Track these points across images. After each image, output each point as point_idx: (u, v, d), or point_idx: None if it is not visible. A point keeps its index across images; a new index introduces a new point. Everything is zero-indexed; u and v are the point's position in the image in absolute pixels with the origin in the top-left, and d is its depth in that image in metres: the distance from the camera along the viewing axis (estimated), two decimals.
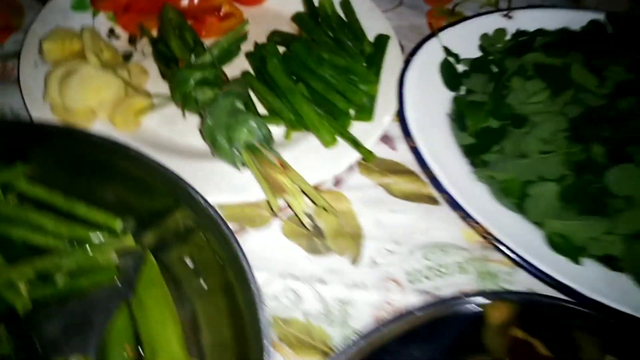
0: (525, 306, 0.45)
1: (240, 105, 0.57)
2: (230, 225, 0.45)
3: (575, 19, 0.73)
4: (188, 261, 0.48)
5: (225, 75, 0.62)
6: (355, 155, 0.59)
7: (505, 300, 0.45)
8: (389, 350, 0.44)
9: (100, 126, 0.60)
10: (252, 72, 0.65)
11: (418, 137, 0.59)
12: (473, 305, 0.45)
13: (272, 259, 0.55)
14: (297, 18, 0.70)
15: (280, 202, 0.53)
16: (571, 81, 0.60)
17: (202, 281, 0.47)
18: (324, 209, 0.52)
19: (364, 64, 0.65)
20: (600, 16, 0.73)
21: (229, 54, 0.65)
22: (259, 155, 0.54)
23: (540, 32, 0.71)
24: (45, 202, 0.50)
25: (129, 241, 0.50)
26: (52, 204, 0.49)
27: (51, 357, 0.45)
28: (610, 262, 0.53)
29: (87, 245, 0.49)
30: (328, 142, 0.57)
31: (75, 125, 0.58)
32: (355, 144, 0.57)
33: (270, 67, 0.61)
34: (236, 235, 0.44)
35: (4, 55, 0.69)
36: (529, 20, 0.73)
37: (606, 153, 0.55)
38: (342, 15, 0.70)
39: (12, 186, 0.50)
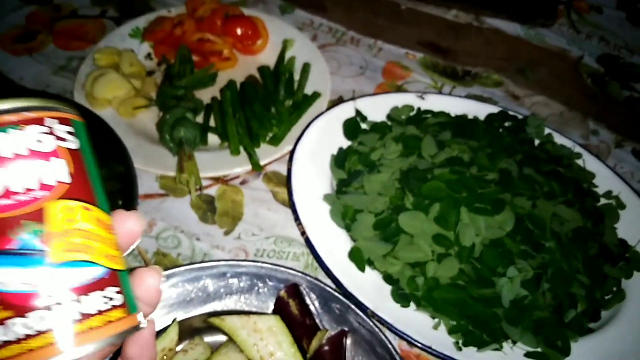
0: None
1: (189, 115, 0.86)
2: (161, 191, 0.73)
3: (480, 110, 0.93)
4: None
5: (192, 95, 0.92)
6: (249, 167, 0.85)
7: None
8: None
9: (110, 111, 0.92)
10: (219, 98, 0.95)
11: (295, 166, 0.83)
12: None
13: (175, 218, 0.82)
14: (260, 69, 0.98)
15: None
16: (418, 147, 0.81)
17: None
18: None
19: (289, 108, 0.91)
20: (496, 110, 0.92)
21: (200, 83, 0.95)
22: (183, 148, 0.82)
23: (439, 113, 0.92)
24: None
25: None
26: None
27: None
28: (386, 277, 0.73)
29: None
30: (233, 151, 0.85)
31: (94, 108, 0.91)
32: (250, 156, 0.84)
33: (223, 97, 0.91)
34: (160, 199, 0.73)
35: (80, 57, 1.06)
36: (437, 103, 0.94)
37: (414, 200, 0.75)
38: (298, 73, 0.98)
39: None
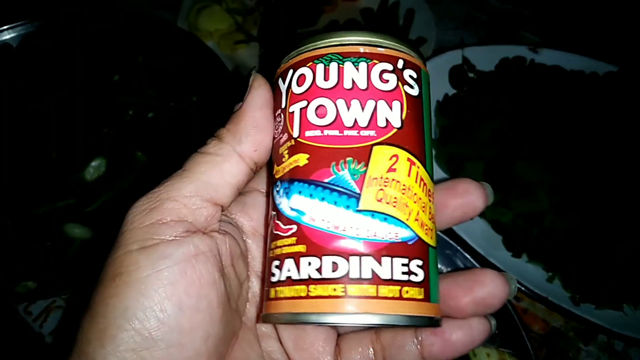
0: None
1: None
2: None
3: (597, 67, 0.87)
4: None
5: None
6: None
7: None
8: None
9: (211, 44, 0.92)
10: None
11: None
12: None
13: None
14: (363, 11, 0.96)
15: None
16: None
17: None
18: None
19: None
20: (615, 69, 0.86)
21: (301, 23, 0.93)
22: None
23: (553, 68, 0.86)
24: None
25: None
26: None
27: None
28: (497, 226, 0.69)
29: None
30: None
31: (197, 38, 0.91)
32: None
33: None
34: None
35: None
36: (551, 57, 0.88)
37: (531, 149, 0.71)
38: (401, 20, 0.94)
39: None
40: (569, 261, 0.63)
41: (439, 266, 0.65)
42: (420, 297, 0.29)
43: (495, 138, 0.74)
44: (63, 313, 0.64)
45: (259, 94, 0.33)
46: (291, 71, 0.33)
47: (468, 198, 0.34)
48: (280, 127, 0.33)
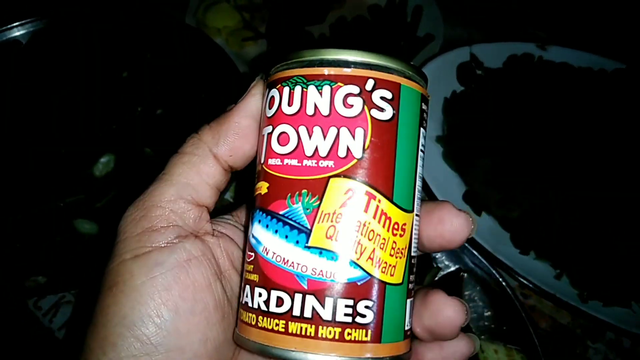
0: None
1: None
2: None
3: (605, 65, 0.87)
4: None
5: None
6: None
7: None
8: None
9: (219, 41, 0.92)
10: None
11: None
12: None
13: None
14: (371, 8, 0.95)
15: None
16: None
17: None
18: None
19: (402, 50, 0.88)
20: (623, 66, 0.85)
21: (309, 19, 0.93)
22: None
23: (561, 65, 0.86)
24: None
25: None
26: None
27: None
28: (504, 223, 0.69)
29: None
30: None
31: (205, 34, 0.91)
32: None
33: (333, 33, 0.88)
34: None
35: None
36: (559, 55, 0.88)
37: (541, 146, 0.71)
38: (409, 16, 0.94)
39: None
40: (577, 258, 0.63)
41: (446, 263, 0.65)
42: (366, 339, 0.28)
43: (503, 135, 0.74)
44: (73, 308, 0.65)
45: (251, 102, 0.32)
46: (267, 90, 0.32)
47: (442, 228, 0.32)
48: (259, 148, 0.32)
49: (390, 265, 0.29)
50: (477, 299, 0.63)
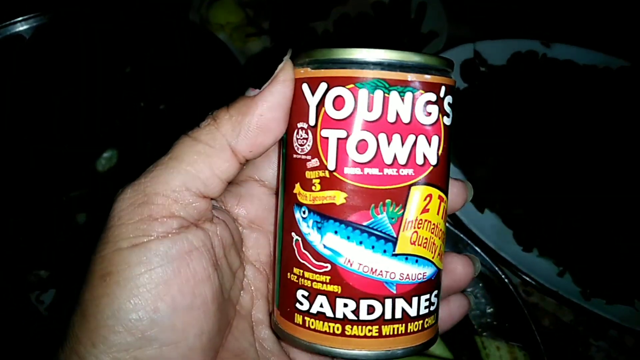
0: None
1: None
2: None
3: (610, 63, 0.87)
4: None
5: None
6: None
7: None
8: None
9: (222, 37, 0.92)
10: None
11: None
12: None
13: None
14: (375, 4, 0.95)
15: None
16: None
17: None
18: None
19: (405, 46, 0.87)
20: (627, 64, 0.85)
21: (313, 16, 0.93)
22: None
23: (565, 63, 0.86)
24: None
25: None
26: None
27: None
28: (508, 220, 0.69)
29: None
30: None
31: (208, 30, 0.91)
32: None
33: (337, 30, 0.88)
34: None
35: None
36: (563, 52, 0.88)
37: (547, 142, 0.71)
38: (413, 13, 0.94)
39: None
40: (580, 256, 0.63)
41: None
42: (434, 322, 0.32)
43: (506, 133, 0.74)
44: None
45: (279, 91, 0.29)
46: (324, 85, 0.29)
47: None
48: (307, 147, 0.29)
49: (442, 253, 0.31)
50: (480, 295, 0.63)
